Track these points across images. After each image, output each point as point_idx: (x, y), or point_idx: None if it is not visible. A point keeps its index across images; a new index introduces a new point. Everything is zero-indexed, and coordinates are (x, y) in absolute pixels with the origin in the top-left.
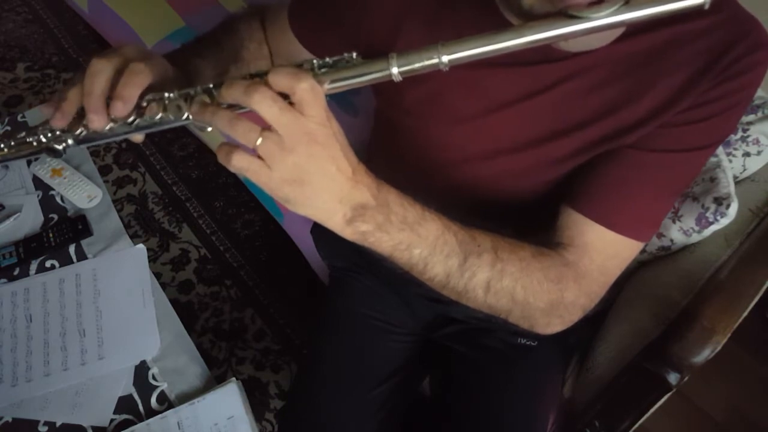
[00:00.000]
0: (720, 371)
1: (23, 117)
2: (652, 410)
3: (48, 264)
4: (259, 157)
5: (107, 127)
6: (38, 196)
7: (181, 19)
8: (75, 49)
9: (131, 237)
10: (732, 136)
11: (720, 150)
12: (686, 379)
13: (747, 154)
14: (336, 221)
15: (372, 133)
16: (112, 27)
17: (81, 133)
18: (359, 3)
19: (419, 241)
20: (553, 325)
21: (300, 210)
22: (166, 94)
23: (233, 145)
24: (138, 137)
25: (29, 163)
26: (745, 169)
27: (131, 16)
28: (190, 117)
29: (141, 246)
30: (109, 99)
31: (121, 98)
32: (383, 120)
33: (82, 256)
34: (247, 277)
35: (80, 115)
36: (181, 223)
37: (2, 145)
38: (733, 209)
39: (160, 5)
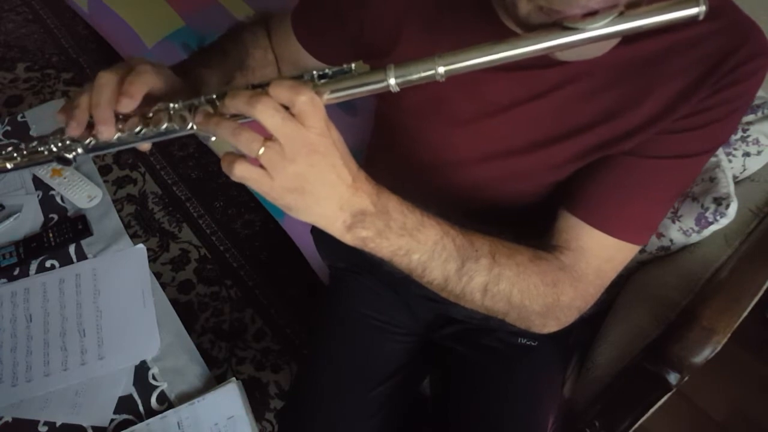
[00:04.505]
0: (720, 371)
1: (23, 117)
2: (652, 410)
3: (48, 264)
4: (261, 167)
5: (115, 137)
6: (38, 196)
7: (181, 19)
8: (75, 49)
9: (131, 237)
10: (732, 136)
11: (720, 150)
12: (686, 379)
13: (747, 154)
14: (337, 227)
15: (372, 133)
16: (112, 27)
17: (90, 142)
18: (360, 2)
19: (418, 247)
20: (549, 326)
21: (301, 217)
22: (171, 105)
23: (236, 155)
24: (145, 146)
25: None
26: (745, 169)
27: (131, 16)
28: (195, 127)
29: (141, 246)
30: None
31: (126, 94)
32: (383, 121)
33: (82, 256)
34: (247, 277)
35: (90, 125)
36: (181, 223)
37: (15, 155)
38: (732, 209)
39: (160, 5)
